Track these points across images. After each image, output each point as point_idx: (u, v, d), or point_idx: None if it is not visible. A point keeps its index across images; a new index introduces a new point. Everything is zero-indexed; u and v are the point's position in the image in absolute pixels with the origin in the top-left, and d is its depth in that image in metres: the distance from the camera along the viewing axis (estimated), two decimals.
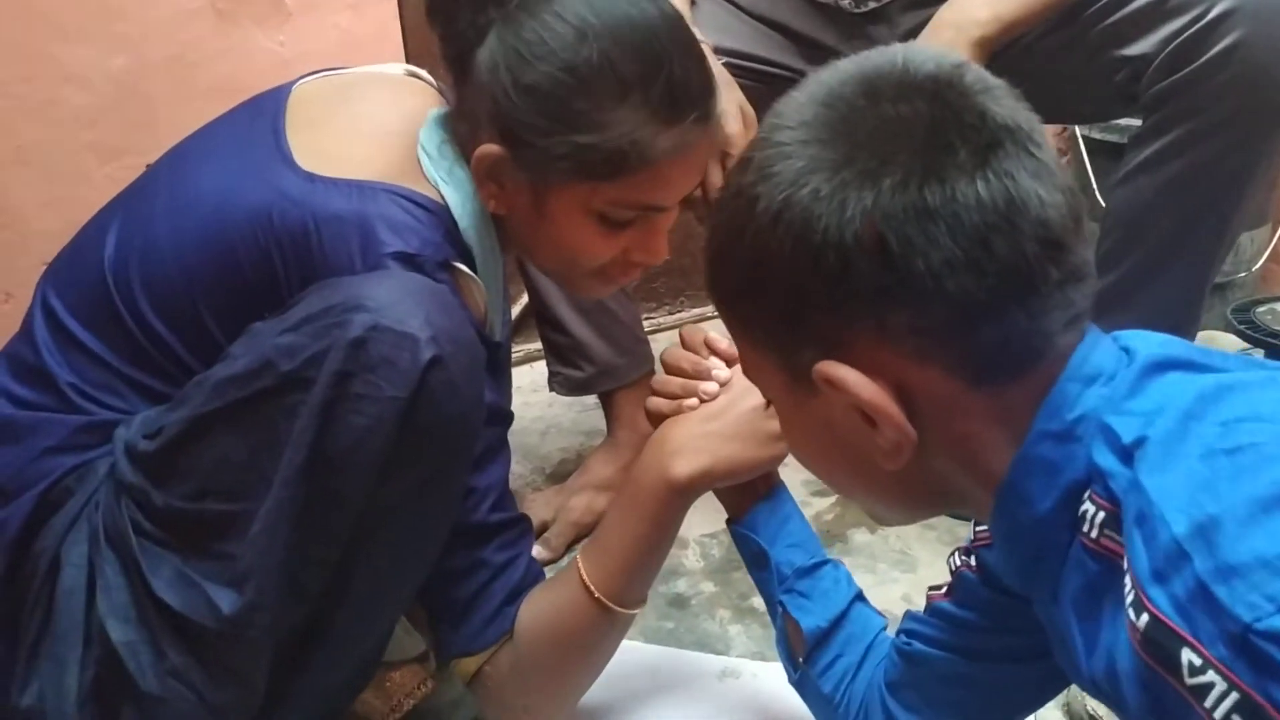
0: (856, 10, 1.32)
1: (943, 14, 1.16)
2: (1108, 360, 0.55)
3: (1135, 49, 1.12)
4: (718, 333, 0.89)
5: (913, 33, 1.24)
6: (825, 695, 0.88)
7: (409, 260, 0.85)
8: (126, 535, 0.83)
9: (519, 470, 1.57)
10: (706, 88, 0.91)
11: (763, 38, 1.35)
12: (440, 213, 0.91)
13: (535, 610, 0.93)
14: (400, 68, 1.03)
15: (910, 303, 0.52)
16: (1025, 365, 0.54)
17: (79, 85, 1.48)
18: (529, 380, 1.77)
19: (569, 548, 1.39)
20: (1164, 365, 0.54)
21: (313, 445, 0.78)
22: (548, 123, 0.87)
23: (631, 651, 1.16)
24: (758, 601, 1.24)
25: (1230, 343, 1.63)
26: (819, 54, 1.33)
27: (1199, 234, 1.17)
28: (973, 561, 0.75)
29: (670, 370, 0.95)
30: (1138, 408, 0.52)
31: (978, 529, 0.75)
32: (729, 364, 0.93)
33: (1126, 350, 0.56)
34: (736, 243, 0.57)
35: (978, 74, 0.55)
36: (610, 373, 1.45)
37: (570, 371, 1.46)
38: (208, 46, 1.51)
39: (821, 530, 1.39)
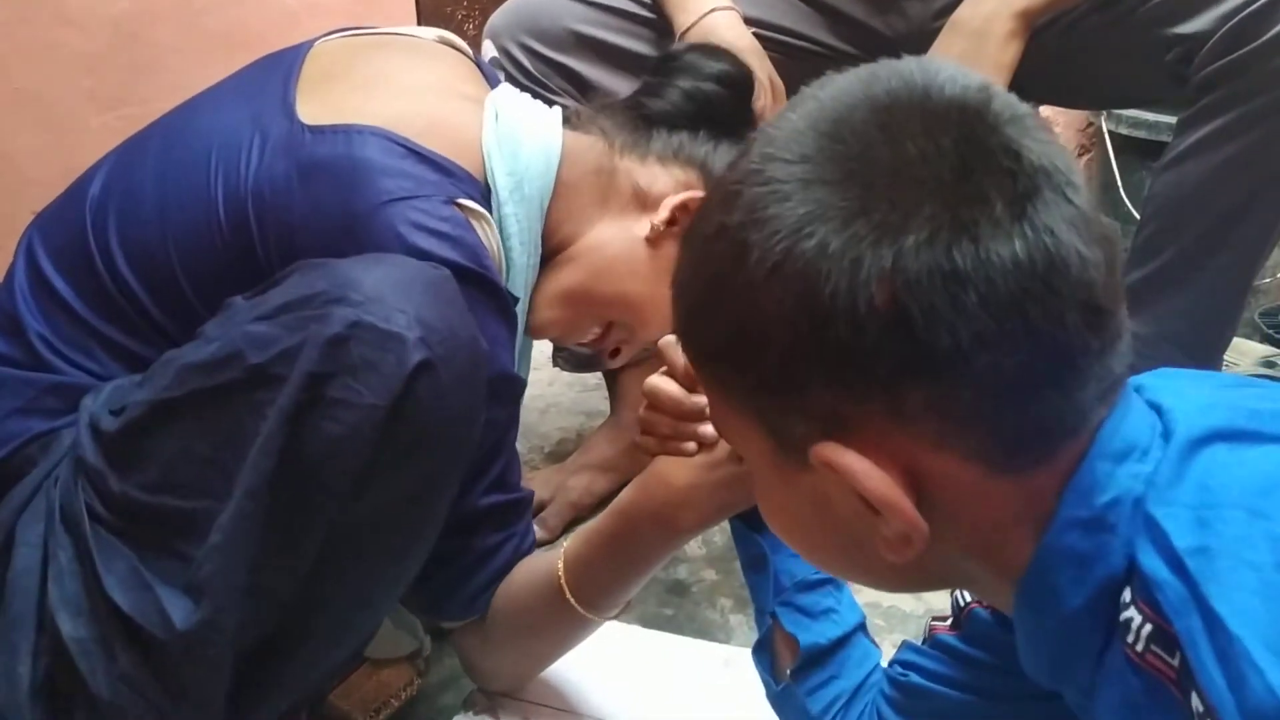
0: None
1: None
2: (1140, 430, 0.48)
3: (1189, 27, 1.07)
4: None
5: (947, 9, 1.19)
6: (812, 715, 0.80)
7: (401, 203, 0.79)
8: (81, 520, 0.76)
9: (518, 450, 1.52)
10: None
11: (792, 10, 1.31)
12: (454, 170, 0.85)
13: (511, 596, 0.88)
14: (433, 32, 0.99)
15: (931, 381, 0.45)
16: (1055, 447, 0.47)
17: (79, 29, 1.43)
18: (531, 358, 1.72)
19: (566, 529, 1.34)
20: (1208, 439, 0.47)
21: (281, 453, 0.70)
22: None
23: (633, 636, 1.11)
24: None
25: (1255, 350, 1.59)
26: (850, 29, 1.29)
27: (1247, 224, 1.11)
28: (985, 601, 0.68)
29: (657, 406, 0.78)
30: (1186, 498, 0.46)
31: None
32: None
33: (1158, 409, 0.50)
34: (719, 296, 0.49)
35: (1005, 100, 0.48)
36: None
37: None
38: None
39: None
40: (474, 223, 0.85)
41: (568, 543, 0.87)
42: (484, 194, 0.89)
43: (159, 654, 0.73)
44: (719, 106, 0.99)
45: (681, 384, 0.77)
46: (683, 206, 0.93)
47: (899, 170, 0.45)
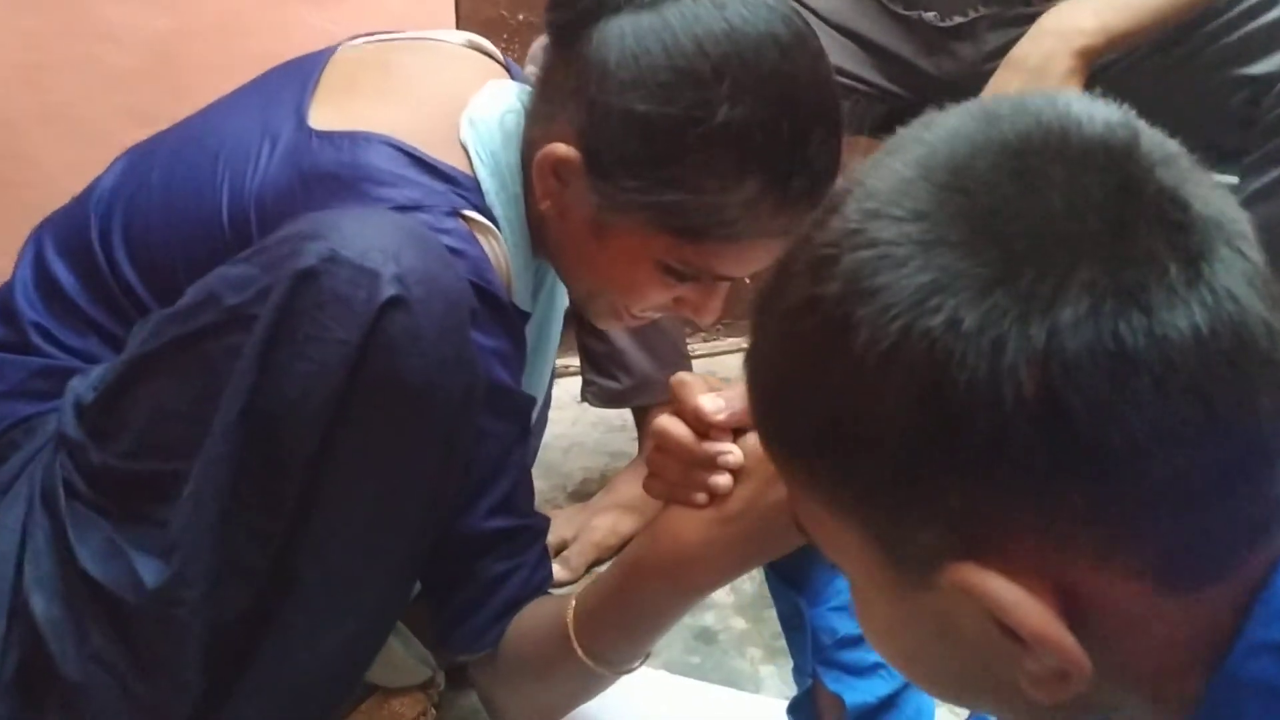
0: (941, 24, 1.25)
1: (1044, 21, 1.09)
2: None
3: (1259, 67, 1.04)
4: (718, 391, 0.69)
5: (999, 52, 1.16)
6: None
7: (405, 212, 0.75)
8: (57, 496, 0.73)
9: (539, 486, 1.47)
10: (834, 167, 0.78)
11: (838, 47, 1.28)
12: (463, 180, 0.82)
13: (522, 636, 0.83)
14: (462, 36, 0.96)
15: (1095, 485, 0.37)
16: (1240, 556, 0.40)
17: (116, 44, 1.42)
18: (553, 397, 1.69)
19: (589, 569, 1.29)
20: None
21: (251, 393, 0.67)
22: (642, 167, 0.77)
23: (662, 682, 1.06)
24: None
25: None
26: (898, 68, 1.27)
27: None
28: None
29: (665, 450, 0.70)
30: None
31: None
32: (736, 435, 0.69)
33: None
34: (813, 382, 0.41)
35: (1153, 137, 0.40)
36: (648, 387, 1.35)
37: (606, 382, 1.37)
38: (255, 18, 1.46)
39: None
40: (478, 235, 0.81)
41: (580, 590, 0.81)
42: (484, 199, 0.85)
43: (131, 624, 0.70)
44: None
45: (692, 427, 0.69)
46: (547, 169, 0.81)
47: (1042, 227, 0.37)
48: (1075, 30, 1.06)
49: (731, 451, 0.68)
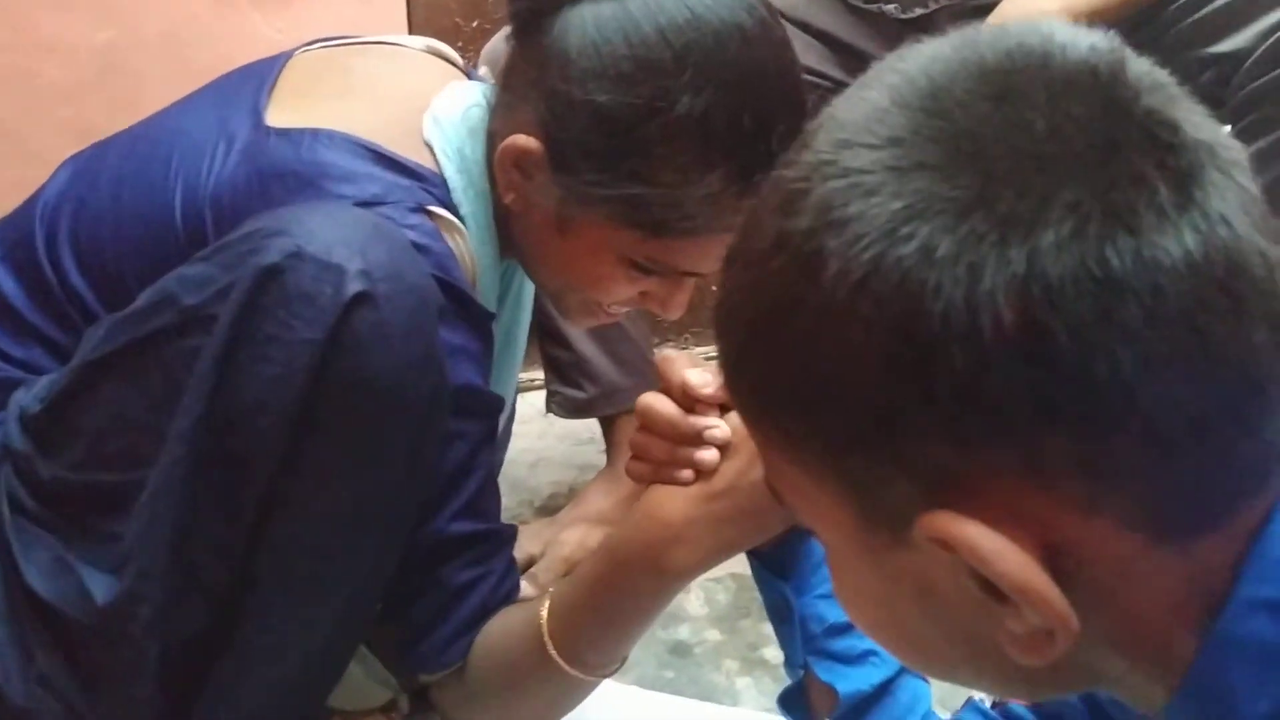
0: (902, 17, 1.24)
1: (1005, 6, 1.07)
2: None
3: (1225, 45, 1.03)
4: (706, 367, 0.68)
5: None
6: None
7: (368, 208, 0.73)
8: (0, 512, 0.70)
9: (505, 503, 1.43)
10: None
11: (799, 43, 1.24)
12: (428, 177, 0.80)
13: (490, 647, 0.79)
14: (421, 41, 0.95)
15: (1081, 424, 0.34)
16: (1236, 504, 0.37)
17: (61, 57, 1.38)
18: (519, 411, 1.65)
19: None
20: None
21: (211, 396, 0.65)
22: (604, 159, 0.75)
23: (638, 699, 1.02)
24: (769, 653, 1.10)
25: None
26: (859, 63, 1.24)
27: None
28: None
29: (651, 427, 0.69)
30: None
31: None
32: (723, 411, 0.69)
33: None
34: (782, 326, 0.38)
35: (1140, 64, 0.38)
36: (614, 395, 1.32)
37: (571, 392, 1.33)
38: (203, 27, 1.43)
39: None
40: (444, 231, 0.78)
41: (553, 589, 0.78)
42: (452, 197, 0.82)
43: (80, 644, 0.67)
44: None
45: (679, 404, 0.68)
46: (509, 162, 0.78)
47: (1024, 149, 0.35)
48: (1038, 12, 1.04)
49: (719, 426, 0.67)
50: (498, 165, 0.80)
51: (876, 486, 0.38)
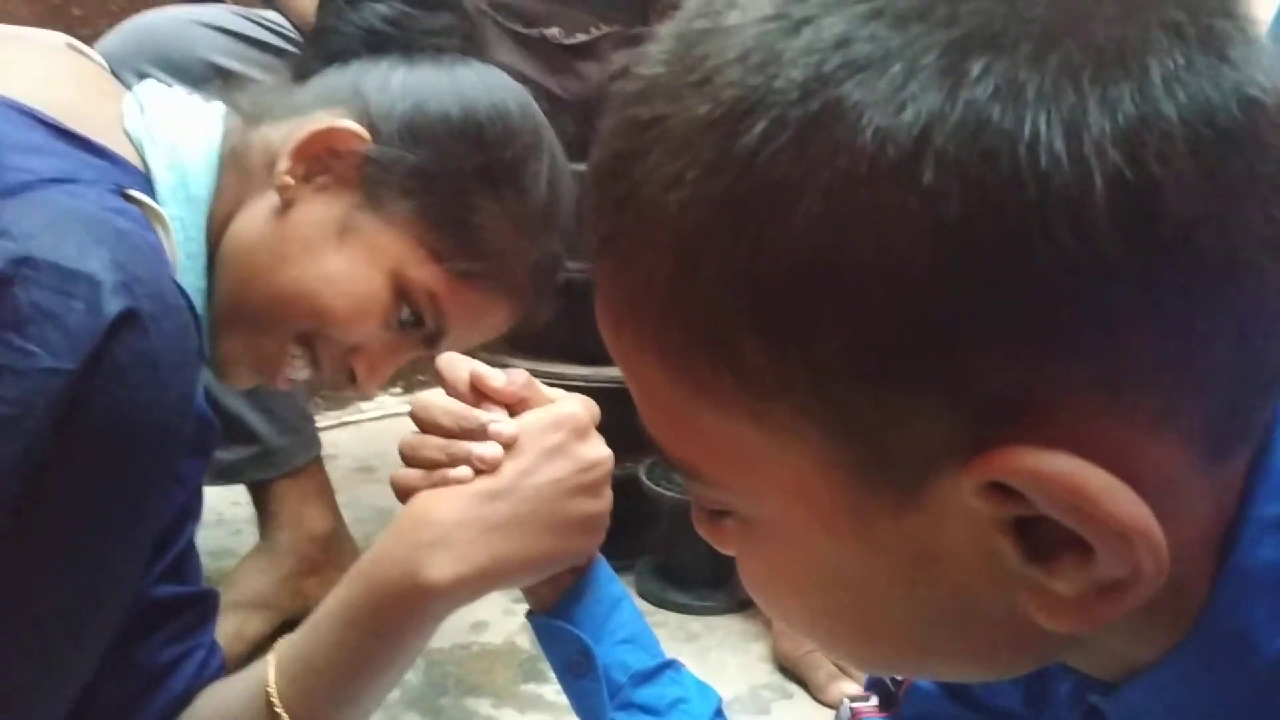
0: (565, 42, 1.22)
1: None
2: None
3: None
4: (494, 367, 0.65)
5: (626, 71, 1.14)
6: None
7: (54, 188, 0.58)
8: None
9: None
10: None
11: None
12: (125, 165, 0.67)
13: None
14: (60, 38, 0.80)
15: (1182, 315, 0.28)
16: (1260, 414, 0.33)
17: None
18: None
19: None
20: None
21: None
22: (435, 143, 0.72)
23: None
24: None
25: None
26: (533, 91, 1.22)
27: None
28: None
29: (426, 426, 0.64)
30: None
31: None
32: (512, 410, 0.64)
33: None
34: (766, 218, 0.29)
35: None
36: (269, 457, 1.17)
37: (219, 454, 1.15)
38: None
39: None
40: (151, 220, 0.65)
41: (279, 643, 0.65)
42: (149, 190, 0.68)
43: None
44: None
45: (462, 399, 0.64)
46: (319, 146, 0.71)
47: None
48: None
49: (506, 421, 0.63)
50: (296, 153, 0.71)
51: (890, 430, 0.29)
